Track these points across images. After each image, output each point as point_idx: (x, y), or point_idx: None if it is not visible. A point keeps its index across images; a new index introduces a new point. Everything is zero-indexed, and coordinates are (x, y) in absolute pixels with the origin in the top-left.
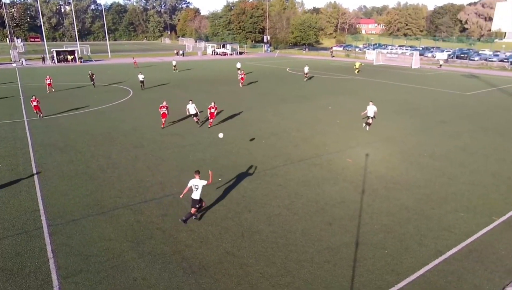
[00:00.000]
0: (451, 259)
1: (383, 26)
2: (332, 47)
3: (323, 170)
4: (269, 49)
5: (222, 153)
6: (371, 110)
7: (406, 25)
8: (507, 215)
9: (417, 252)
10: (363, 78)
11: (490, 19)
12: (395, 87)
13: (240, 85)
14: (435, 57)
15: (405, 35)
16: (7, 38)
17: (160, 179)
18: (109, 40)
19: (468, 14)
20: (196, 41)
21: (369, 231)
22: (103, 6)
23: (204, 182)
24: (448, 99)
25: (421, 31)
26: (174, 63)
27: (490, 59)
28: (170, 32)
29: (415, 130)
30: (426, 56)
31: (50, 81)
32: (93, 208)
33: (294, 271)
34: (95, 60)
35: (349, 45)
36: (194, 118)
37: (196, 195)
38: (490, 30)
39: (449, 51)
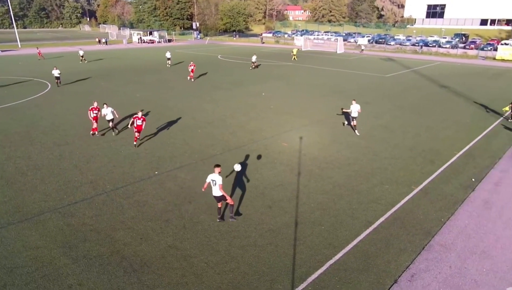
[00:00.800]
0: (379, 227)
1: (309, 13)
2: (262, 34)
3: (260, 155)
4: (199, 36)
5: (157, 145)
6: (354, 109)
7: (330, 11)
8: (423, 184)
9: (350, 225)
10: (293, 64)
11: (402, 6)
12: (323, 71)
13: (192, 79)
14: (357, 42)
15: (329, 21)
16: None
17: (90, 177)
18: (17, 28)
19: (384, 2)
20: (120, 29)
21: (307, 210)
22: None
23: (221, 180)
24: (370, 82)
25: (344, 17)
26: (81, 53)
27: (404, 44)
28: (89, 19)
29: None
30: (349, 42)
31: None
32: (13, 216)
33: (238, 257)
34: (2, 51)
35: (278, 31)
36: (110, 123)
37: (215, 192)
38: (402, 16)
39: (369, 36)
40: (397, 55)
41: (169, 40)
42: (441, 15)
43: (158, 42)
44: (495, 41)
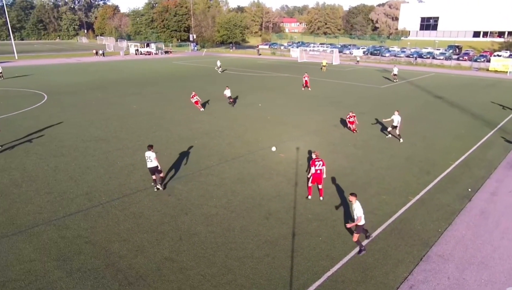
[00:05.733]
0: (376, 238)
1: (305, 25)
2: (258, 45)
3: (257, 166)
4: (196, 48)
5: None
6: (396, 119)
7: (325, 24)
8: (420, 194)
9: (348, 236)
10: (290, 75)
11: (397, 18)
12: (319, 82)
13: (309, 88)
14: (352, 54)
15: (325, 33)
16: None
17: (86, 189)
18: (14, 40)
19: (378, 14)
20: (117, 40)
21: (304, 221)
22: (4, 2)
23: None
24: (366, 92)
25: (339, 29)
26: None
27: (398, 55)
28: (87, 31)
29: (339, 122)
30: (344, 53)
31: None
32: (7, 228)
33: (235, 269)
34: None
35: (274, 43)
36: (157, 176)
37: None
38: (397, 28)
39: (364, 48)
40: (392, 67)
41: (166, 52)
42: (434, 27)
43: (155, 53)
44: (488, 52)
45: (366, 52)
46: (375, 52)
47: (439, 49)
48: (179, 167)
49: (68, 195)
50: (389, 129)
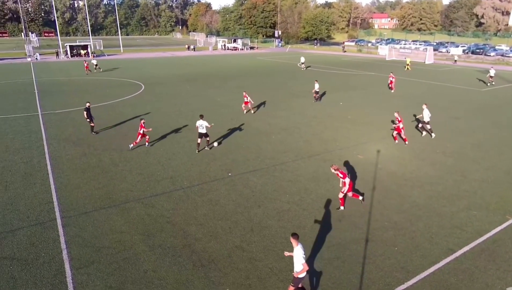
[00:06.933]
0: (462, 257)
1: (397, 21)
2: (344, 42)
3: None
4: (280, 44)
5: (232, 148)
6: (426, 114)
7: (420, 19)
8: None
9: (428, 250)
10: (375, 73)
11: (508, 13)
12: (408, 82)
13: (392, 90)
14: (449, 52)
15: (419, 30)
16: (22, 33)
17: (170, 173)
18: (121, 35)
19: (485, 8)
20: (207, 36)
21: (379, 228)
22: (115, 1)
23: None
24: (462, 95)
25: (436, 25)
26: (94, 62)
27: (506, 55)
28: (181, 27)
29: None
30: (440, 52)
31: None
32: (105, 201)
33: None
34: (108, 55)
35: (361, 40)
36: (203, 139)
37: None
38: (507, 24)
39: (464, 46)
40: (497, 67)
41: (252, 48)
42: None
43: (241, 49)
44: None
45: (467, 51)
46: (478, 50)
47: None
48: (255, 161)
49: (156, 177)
50: (420, 125)
